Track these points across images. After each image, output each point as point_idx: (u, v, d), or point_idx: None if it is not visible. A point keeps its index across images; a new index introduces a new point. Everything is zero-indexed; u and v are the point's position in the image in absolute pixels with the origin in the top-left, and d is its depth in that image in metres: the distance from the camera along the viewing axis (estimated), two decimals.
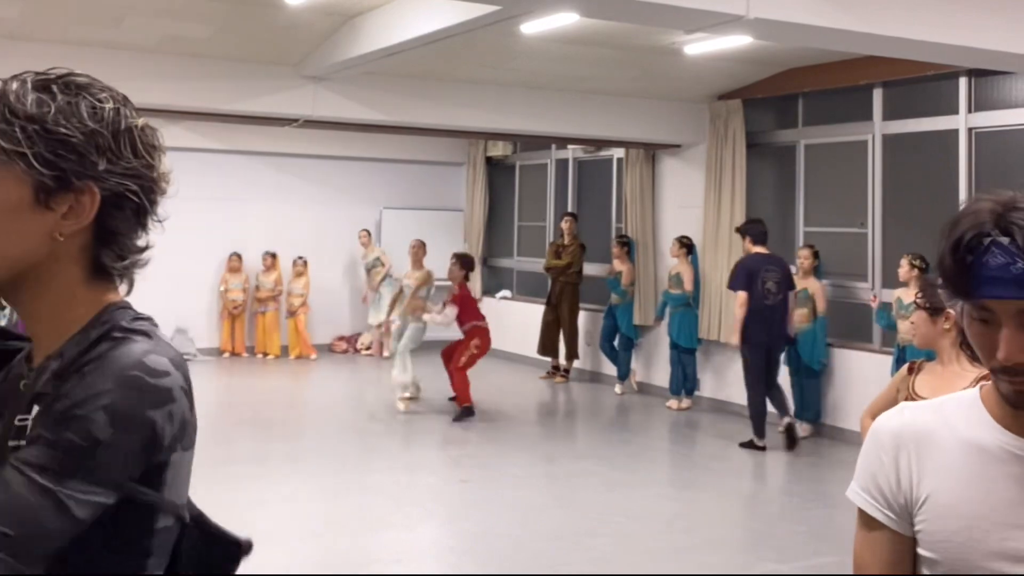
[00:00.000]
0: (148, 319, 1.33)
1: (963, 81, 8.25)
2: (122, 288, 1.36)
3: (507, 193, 14.06)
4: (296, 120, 9.51)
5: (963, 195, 8.23)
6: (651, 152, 11.24)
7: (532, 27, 7.36)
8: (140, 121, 1.31)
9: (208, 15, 7.80)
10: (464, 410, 9.38)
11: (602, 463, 7.96)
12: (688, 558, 5.71)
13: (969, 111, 8.26)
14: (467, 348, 9.45)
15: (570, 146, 12.41)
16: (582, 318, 11.89)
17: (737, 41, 7.65)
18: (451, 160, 14.31)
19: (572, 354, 11.67)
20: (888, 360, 8.09)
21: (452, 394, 9.64)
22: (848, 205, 9.23)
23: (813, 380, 9.00)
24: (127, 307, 1.33)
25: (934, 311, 3.13)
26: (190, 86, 8.66)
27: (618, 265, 10.93)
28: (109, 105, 1.28)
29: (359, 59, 8.04)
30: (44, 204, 1.25)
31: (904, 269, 8.01)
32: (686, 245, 10.26)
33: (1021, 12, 6.11)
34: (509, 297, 13.46)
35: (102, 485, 1.18)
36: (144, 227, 1.33)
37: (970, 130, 8.25)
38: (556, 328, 11.69)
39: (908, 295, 7.97)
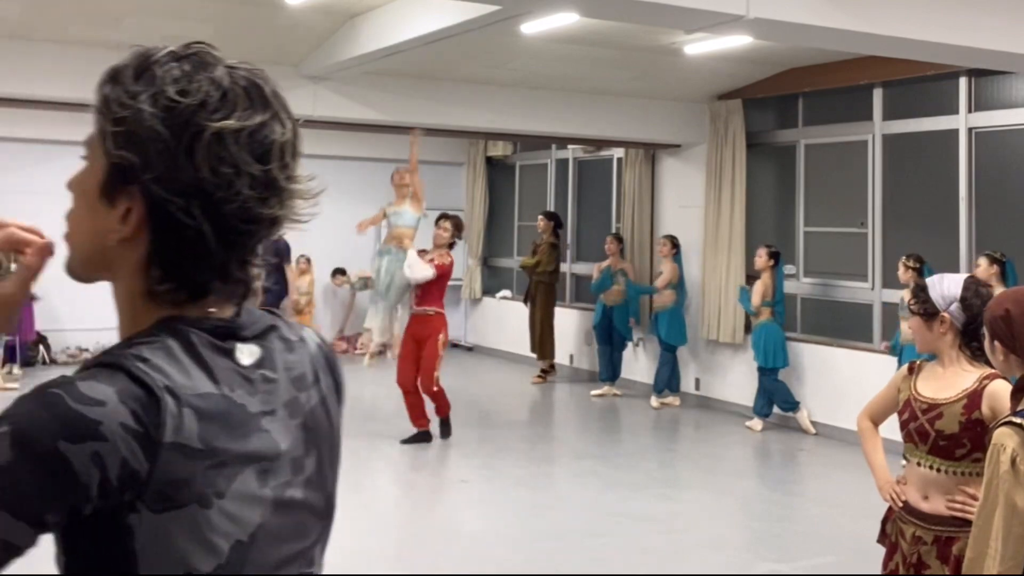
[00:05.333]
0: (174, 335, 1.09)
1: (963, 81, 8.24)
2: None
3: (507, 193, 14.06)
4: (296, 120, 9.50)
5: (963, 195, 8.23)
6: (651, 152, 11.24)
7: (532, 27, 7.35)
8: (231, 125, 1.07)
9: (208, 15, 7.80)
10: (445, 423, 8.26)
11: (602, 463, 7.95)
12: (688, 558, 5.71)
13: (969, 111, 8.25)
14: (435, 353, 7.98)
15: (570, 146, 12.41)
16: (581, 318, 11.90)
17: (737, 41, 7.65)
18: (451, 160, 14.31)
19: (545, 353, 11.64)
20: (887, 360, 8.08)
21: (434, 414, 8.32)
22: (848, 205, 9.23)
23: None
24: (194, 318, 1.11)
25: (928, 315, 3.11)
26: None
27: (616, 263, 10.93)
28: (190, 101, 1.06)
29: (359, 59, 8.04)
30: (107, 198, 1.10)
31: (901, 271, 8.04)
32: (676, 245, 10.30)
33: (1021, 12, 6.11)
34: (509, 297, 13.45)
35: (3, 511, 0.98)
36: (219, 254, 1.09)
37: (970, 130, 8.25)
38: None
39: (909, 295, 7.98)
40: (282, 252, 10.91)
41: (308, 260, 12.81)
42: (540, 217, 11.87)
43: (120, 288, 1.14)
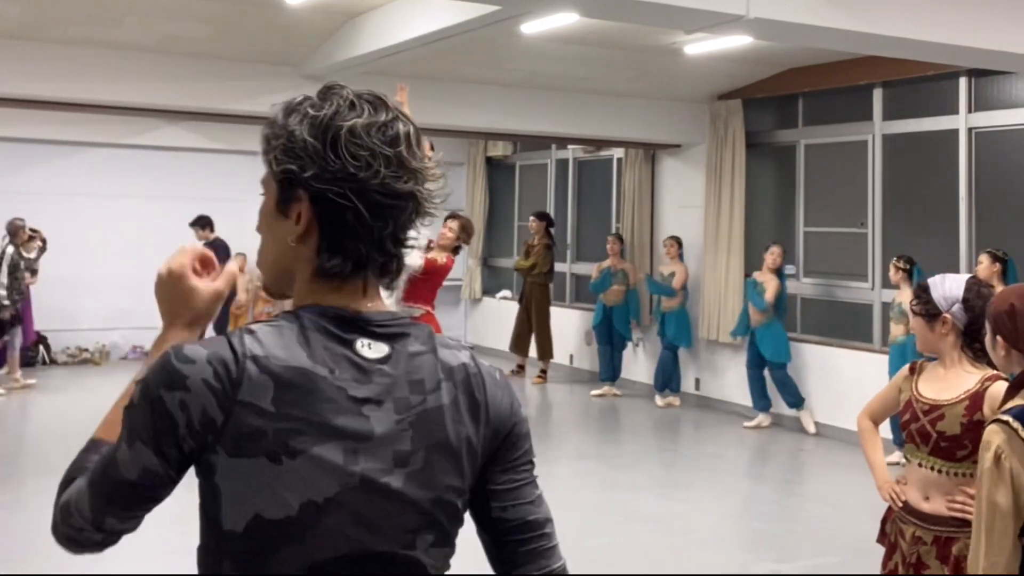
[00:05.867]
0: (294, 319, 1.32)
1: (963, 81, 8.24)
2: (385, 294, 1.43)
3: (507, 193, 14.06)
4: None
5: (963, 195, 8.23)
6: (651, 152, 11.24)
7: (532, 27, 7.35)
8: (354, 120, 1.32)
9: (208, 15, 7.80)
10: None
11: (602, 463, 7.96)
12: (688, 558, 5.71)
13: (969, 111, 8.25)
14: None
15: (570, 146, 12.41)
16: (581, 318, 11.90)
17: (737, 41, 7.65)
18: (451, 160, 14.30)
19: (546, 353, 11.66)
20: (887, 360, 8.08)
21: None
22: (848, 205, 9.23)
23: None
24: (319, 307, 1.34)
25: (930, 316, 3.10)
26: (190, 86, 8.66)
27: (617, 263, 10.92)
28: (327, 110, 1.32)
29: (359, 59, 8.04)
30: (282, 212, 1.36)
31: (892, 271, 8.07)
32: (681, 245, 10.32)
33: (1021, 12, 6.10)
34: (509, 297, 13.44)
35: (130, 440, 1.27)
36: (374, 233, 1.33)
37: (970, 130, 8.24)
38: (528, 328, 11.72)
39: (901, 296, 8.01)
40: (219, 251, 10.74)
41: None
42: (532, 218, 11.86)
43: (296, 283, 1.38)
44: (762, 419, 9.30)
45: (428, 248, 7.40)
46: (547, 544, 1.44)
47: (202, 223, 11.41)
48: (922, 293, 3.14)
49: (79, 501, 1.29)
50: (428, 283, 7.35)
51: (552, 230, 11.77)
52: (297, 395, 1.25)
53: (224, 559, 1.27)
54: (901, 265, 8.01)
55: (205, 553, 1.30)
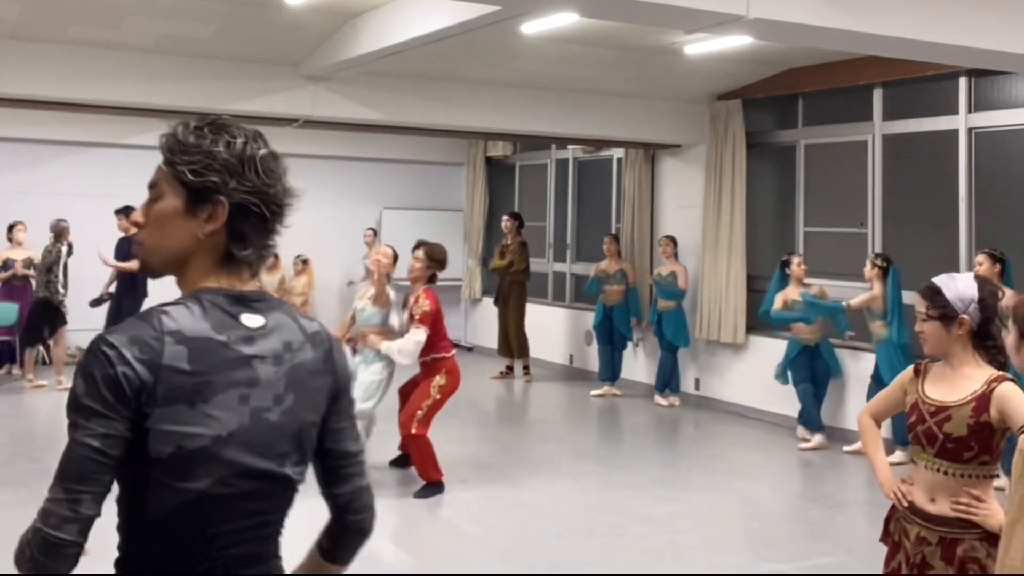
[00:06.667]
0: (196, 300, 1.72)
1: (963, 81, 8.24)
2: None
3: (507, 193, 14.06)
4: (296, 120, 9.51)
5: (963, 195, 8.23)
6: (651, 152, 11.24)
7: (532, 27, 7.35)
8: (263, 151, 1.76)
9: (208, 15, 7.80)
10: (429, 486, 6.90)
11: (602, 463, 7.96)
12: (688, 558, 5.71)
13: (969, 111, 8.25)
14: (426, 393, 6.85)
15: (570, 146, 12.41)
16: (581, 318, 11.89)
17: (737, 41, 7.65)
18: (451, 160, 14.31)
19: (523, 351, 11.69)
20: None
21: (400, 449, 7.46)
22: (848, 205, 9.23)
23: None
24: (214, 289, 1.75)
25: (947, 319, 3.05)
26: (190, 86, 8.66)
27: (614, 264, 10.92)
28: (240, 140, 1.74)
29: (359, 59, 8.04)
30: (191, 212, 1.73)
31: (868, 268, 8.09)
32: (676, 244, 10.32)
33: (1021, 12, 6.10)
34: None
35: (87, 419, 1.63)
36: (268, 231, 1.79)
37: (970, 130, 8.25)
38: (507, 327, 11.77)
39: (874, 300, 8.02)
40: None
41: (305, 261, 12.80)
42: (506, 217, 11.94)
43: (191, 271, 1.76)
44: (820, 440, 8.54)
45: (404, 304, 7.05)
46: (359, 470, 1.91)
47: (127, 211, 11.24)
48: (935, 296, 3.06)
49: (53, 501, 1.60)
50: (434, 328, 6.83)
51: (522, 229, 11.87)
52: (205, 356, 1.66)
53: (150, 477, 1.64)
54: (879, 263, 8.05)
55: (130, 477, 1.66)
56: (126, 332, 1.65)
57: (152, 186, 1.77)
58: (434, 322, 6.81)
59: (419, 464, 6.94)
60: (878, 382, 7.82)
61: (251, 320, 1.75)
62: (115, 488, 1.67)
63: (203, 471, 1.65)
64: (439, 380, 6.88)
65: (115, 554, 1.73)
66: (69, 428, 1.62)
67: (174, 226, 1.74)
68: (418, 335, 6.72)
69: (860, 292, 9.15)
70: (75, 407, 1.62)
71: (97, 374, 1.62)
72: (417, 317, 6.78)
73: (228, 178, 1.72)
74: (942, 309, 3.04)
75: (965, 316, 3.02)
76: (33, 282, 10.91)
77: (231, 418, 1.67)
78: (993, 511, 2.94)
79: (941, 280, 3.09)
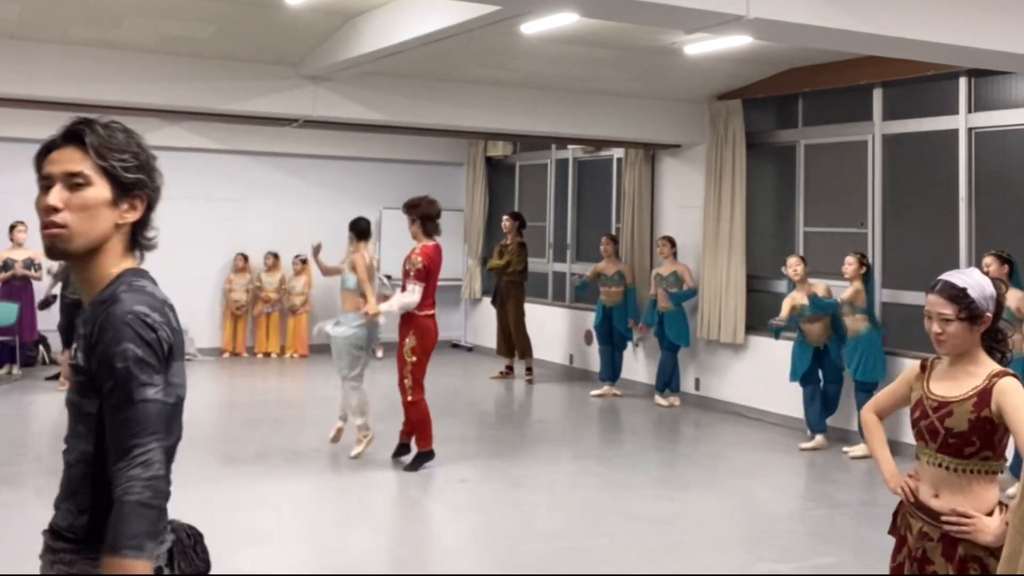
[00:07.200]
0: (146, 276, 2.04)
1: (963, 81, 8.24)
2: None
3: (507, 193, 14.06)
4: (296, 120, 9.51)
5: (963, 195, 8.23)
6: (651, 152, 11.24)
7: (532, 27, 7.35)
8: (153, 153, 2.08)
9: (208, 15, 7.80)
10: (420, 456, 7.26)
11: (602, 463, 7.95)
12: (688, 558, 5.71)
13: (969, 111, 8.25)
14: (403, 361, 7.10)
15: (570, 146, 12.41)
16: (581, 318, 11.89)
17: (737, 41, 7.65)
18: (451, 160, 14.31)
19: (526, 352, 11.68)
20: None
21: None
22: (848, 205, 9.23)
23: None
24: (139, 270, 2.04)
25: (974, 319, 3.03)
26: (190, 86, 8.66)
27: (612, 265, 10.92)
28: (142, 142, 2.06)
29: (359, 59, 8.04)
30: (116, 203, 2.01)
31: (852, 264, 8.11)
32: (675, 244, 10.32)
33: (1021, 12, 6.10)
34: None
35: (152, 377, 1.93)
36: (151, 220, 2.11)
37: (970, 130, 8.24)
38: (506, 328, 11.75)
39: (851, 291, 8.06)
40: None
41: (304, 261, 12.80)
42: (505, 217, 11.92)
43: (109, 253, 2.02)
44: (820, 441, 8.48)
45: (404, 280, 7.19)
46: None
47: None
48: (962, 297, 2.98)
49: (150, 451, 1.86)
50: (430, 283, 7.15)
51: (523, 230, 11.84)
52: (176, 321, 2.02)
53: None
54: (866, 261, 8.17)
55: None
56: (151, 302, 1.97)
57: (75, 174, 1.97)
58: (426, 277, 7.06)
59: (417, 430, 7.25)
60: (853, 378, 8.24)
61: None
62: (92, 448, 1.94)
63: (180, 419, 2.03)
64: (409, 342, 7.07)
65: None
66: (137, 389, 1.87)
67: (102, 214, 1.99)
68: (412, 295, 7.00)
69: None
70: (140, 368, 1.89)
71: (151, 337, 1.91)
72: (412, 274, 7.09)
73: (146, 176, 2.03)
74: (971, 310, 2.98)
75: (989, 314, 3.00)
76: (34, 282, 10.92)
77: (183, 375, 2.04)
78: (983, 525, 2.92)
79: (960, 279, 3.02)
